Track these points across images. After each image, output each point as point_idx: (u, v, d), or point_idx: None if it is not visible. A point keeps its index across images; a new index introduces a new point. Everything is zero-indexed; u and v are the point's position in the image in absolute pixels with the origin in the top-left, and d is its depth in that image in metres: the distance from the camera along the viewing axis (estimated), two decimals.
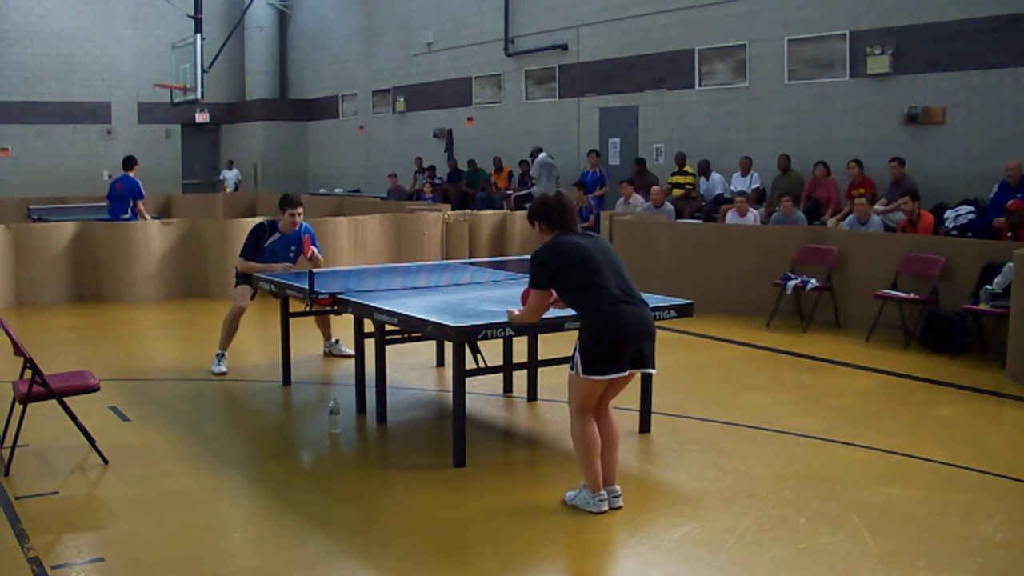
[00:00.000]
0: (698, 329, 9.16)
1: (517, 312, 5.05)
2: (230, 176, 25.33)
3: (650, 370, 4.83)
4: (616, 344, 4.61)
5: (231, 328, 7.98)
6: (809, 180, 12.84)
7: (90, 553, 4.39)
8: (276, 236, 7.93)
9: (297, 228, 7.96)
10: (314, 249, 7.98)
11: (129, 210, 13.67)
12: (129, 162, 14.23)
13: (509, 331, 5.31)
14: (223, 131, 28.36)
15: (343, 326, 8.03)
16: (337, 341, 8.52)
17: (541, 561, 4.30)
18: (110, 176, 26.05)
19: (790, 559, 4.27)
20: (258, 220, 8.47)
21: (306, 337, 8.72)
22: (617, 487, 4.84)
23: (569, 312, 5.57)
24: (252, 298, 7.98)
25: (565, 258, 4.67)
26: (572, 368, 4.70)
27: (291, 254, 7.98)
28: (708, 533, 4.52)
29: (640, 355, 4.70)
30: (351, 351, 8.30)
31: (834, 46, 13.03)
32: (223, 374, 7.80)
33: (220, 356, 7.95)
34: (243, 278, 7.99)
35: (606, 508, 4.69)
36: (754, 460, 5.58)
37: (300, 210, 7.94)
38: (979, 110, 11.57)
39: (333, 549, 4.48)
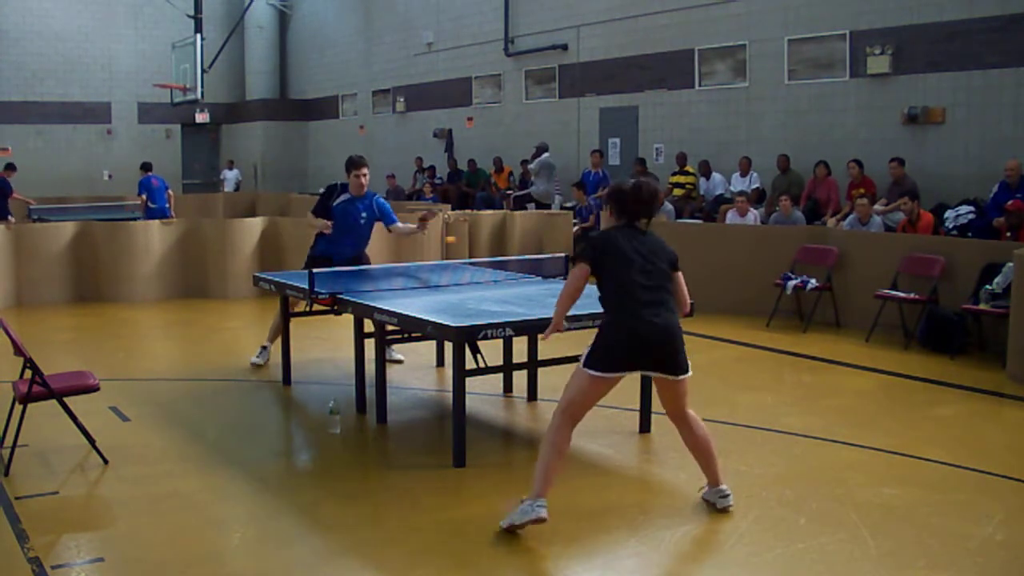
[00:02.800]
0: (698, 329, 9.16)
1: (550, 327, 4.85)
2: (231, 176, 25.35)
3: (673, 376, 4.67)
4: (631, 344, 4.53)
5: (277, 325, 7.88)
6: (809, 180, 12.84)
7: (90, 553, 4.39)
8: (346, 196, 7.77)
9: (367, 194, 7.82)
10: (393, 220, 7.88)
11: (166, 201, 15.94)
12: (149, 164, 16.65)
13: (509, 331, 5.31)
14: (223, 131, 28.36)
15: (343, 326, 8.03)
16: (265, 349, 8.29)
17: (541, 561, 4.30)
18: (110, 176, 26.15)
19: (790, 559, 4.27)
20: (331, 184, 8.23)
21: (306, 337, 8.73)
22: (723, 486, 4.78)
23: (569, 312, 5.59)
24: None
25: (606, 248, 4.62)
26: (579, 360, 4.65)
27: (362, 220, 7.79)
28: (708, 533, 4.52)
29: (658, 363, 4.62)
30: (401, 356, 8.18)
31: (834, 46, 13.03)
32: (258, 366, 7.96)
33: (264, 348, 8.07)
34: (309, 264, 7.67)
35: (544, 515, 4.40)
36: (754, 460, 5.58)
37: (365, 171, 7.75)
38: (979, 110, 11.57)
39: (333, 549, 4.48)
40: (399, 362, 8.04)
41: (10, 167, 17.57)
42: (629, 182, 4.79)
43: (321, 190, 7.96)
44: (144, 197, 15.74)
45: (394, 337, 6.56)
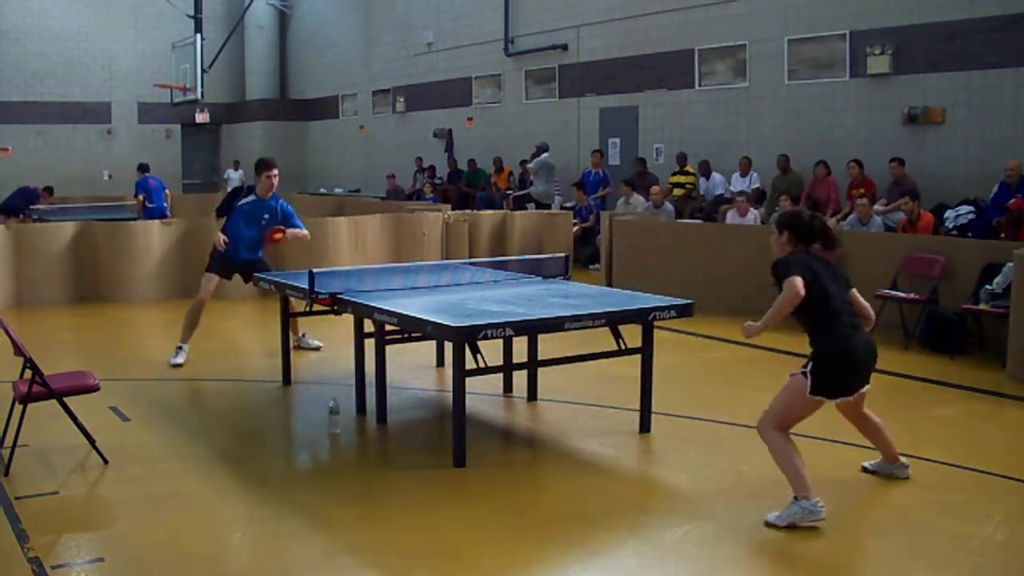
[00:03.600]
0: (698, 329, 9.16)
1: (757, 323, 4.99)
2: (235, 176, 25.22)
3: (866, 388, 4.92)
4: (850, 369, 4.73)
5: (193, 320, 8.14)
6: (809, 180, 12.84)
7: (90, 553, 4.39)
8: (251, 198, 8.08)
9: (273, 196, 8.12)
10: (295, 230, 8.13)
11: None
12: (146, 166, 16.80)
13: (509, 331, 5.31)
14: (223, 131, 28.36)
15: (343, 326, 8.03)
16: (303, 334, 8.64)
17: (541, 561, 4.30)
18: (110, 176, 26.14)
19: (790, 559, 4.27)
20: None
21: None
22: (902, 459, 5.19)
23: (569, 312, 5.59)
24: (227, 278, 8.23)
25: (815, 268, 4.74)
26: (799, 375, 4.74)
27: (263, 221, 8.07)
28: (708, 533, 4.52)
29: (864, 378, 4.83)
30: (318, 343, 8.44)
31: (834, 46, 13.03)
32: (179, 366, 8.00)
33: (179, 348, 8.15)
34: (213, 264, 8.15)
35: (823, 516, 4.51)
36: (754, 460, 5.58)
37: (275, 171, 8.06)
38: (979, 110, 11.57)
39: (333, 549, 4.48)
40: (316, 348, 8.49)
41: (48, 190, 18.30)
42: (804, 213, 5.01)
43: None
44: (141, 197, 15.79)
45: (393, 335, 6.55)
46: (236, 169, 25.49)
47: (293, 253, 10.61)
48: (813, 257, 4.85)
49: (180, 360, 8.09)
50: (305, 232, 8.29)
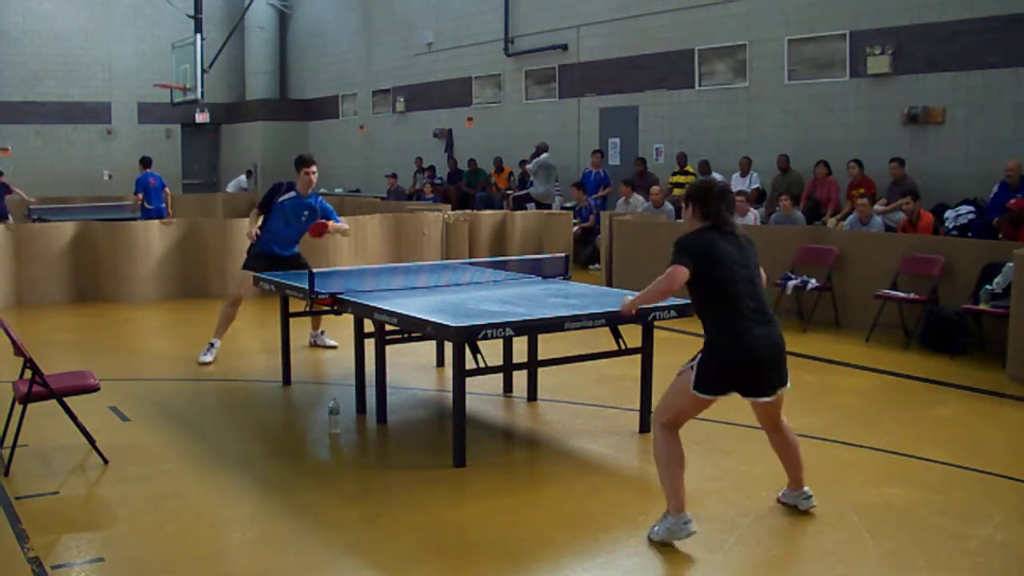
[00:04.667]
0: (698, 329, 9.13)
1: (630, 297, 4.74)
2: (239, 182, 24.72)
3: (783, 389, 4.51)
4: (741, 366, 4.34)
5: (228, 318, 8.21)
6: (810, 180, 12.84)
7: (90, 553, 4.39)
8: (291, 195, 8.08)
9: (313, 194, 8.16)
10: (336, 223, 8.19)
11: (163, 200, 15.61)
12: (149, 160, 16.03)
13: (509, 331, 5.31)
14: (223, 131, 28.35)
15: (343, 326, 8.03)
16: (322, 332, 8.64)
17: (541, 561, 4.30)
18: (110, 176, 26.13)
19: (790, 559, 4.27)
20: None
21: (306, 337, 8.73)
22: (805, 488, 4.76)
23: (569, 312, 5.59)
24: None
25: (710, 252, 4.33)
26: (687, 368, 4.40)
27: (303, 218, 8.09)
28: (708, 533, 4.51)
29: (764, 382, 4.42)
30: (334, 342, 8.46)
31: (834, 46, 13.03)
32: (207, 364, 8.07)
33: (211, 345, 8.21)
34: (250, 262, 8.11)
35: (693, 530, 4.31)
36: (754, 460, 5.58)
37: (314, 168, 8.12)
38: (979, 110, 11.57)
39: (333, 549, 4.48)
40: (333, 347, 8.51)
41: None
42: (711, 181, 4.65)
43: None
44: (140, 196, 15.57)
45: (393, 335, 6.56)
46: (249, 177, 24.86)
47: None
48: (721, 235, 4.40)
49: (209, 358, 8.12)
50: (346, 225, 8.39)
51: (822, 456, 5.73)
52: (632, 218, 12.25)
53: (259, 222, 8.06)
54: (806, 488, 4.77)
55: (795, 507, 4.77)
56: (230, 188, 24.73)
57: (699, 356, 4.38)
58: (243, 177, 25.21)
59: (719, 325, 4.37)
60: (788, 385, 4.54)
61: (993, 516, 4.71)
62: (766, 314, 4.40)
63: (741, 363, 4.34)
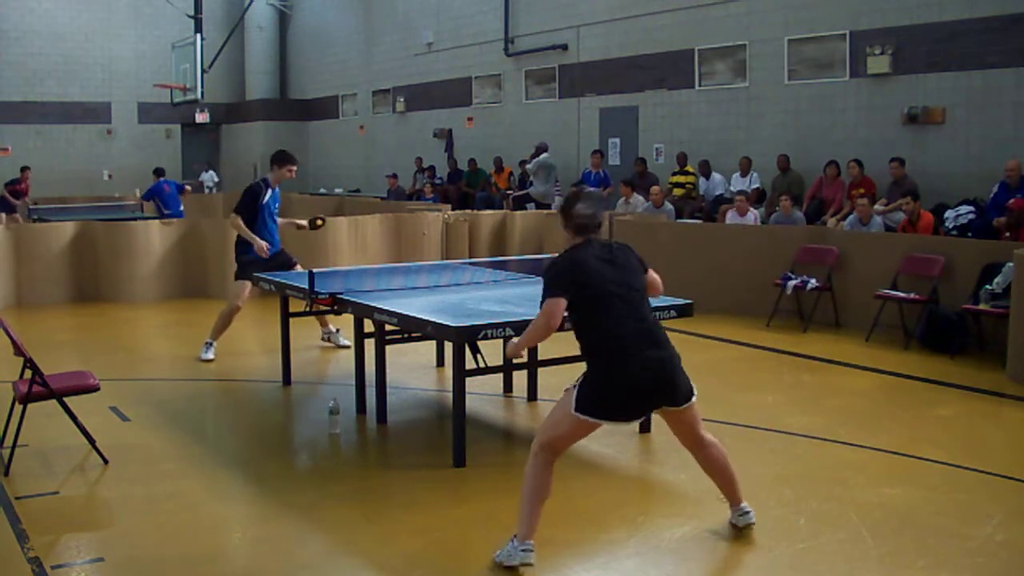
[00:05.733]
0: (698, 329, 9.16)
1: (516, 340, 4.56)
2: (206, 178, 24.96)
3: (674, 408, 4.25)
4: (624, 395, 4.10)
5: (224, 323, 8.33)
6: (816, 179, 12.82)
7: (90, 553, 4.39)
8: (269, 192, 8.28)
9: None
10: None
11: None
12: (162, 170, 16.04)
13: (509, 331, 5.31)
14: (223, 131, 28.36)
15: (343, 326, 8.04)
16: (338, 330, 8.69)
17: (541, 561, 4.30)
18: (110, 176, 26.14)
19: (790, 559, 4.27)
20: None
21: (306, 337, 8.73)
22: (743, 504, 4.50)
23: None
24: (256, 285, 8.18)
25: (581, 275, 4.13)
26: (572, 388, 4.19)
27: (276, 209, 8.37)
28: (708, 533, 4.52)
29: (648, 408, 4.26)
30: (348, 342, 8.50)
31: (834, 46, 13.03)
32: (209, 361, 8.16)
33: (209, 344, 8.32)
34: (242, 271, 8.21)
35: (531, 562, 4.10)
36: (754, 460, 5.58)
37: (295, 168, 8.40)
38: (979, 110, 11.57)
39: (333, 549, 4.48)
40: (347, 347, 8.42)
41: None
42: (572, 193, 4.33)
43: (246, 188, 8.44)
44: (150, 202, 15.41)
45: (393, 335, 6.55)
46: (208, 171, 25.15)
47: (291, 252, 10.60)
48: (594, 251, 4.19)
49: (210, 356, 8.25)
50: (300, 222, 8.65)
51: (822, 456, 5.73)
52: (632, 218, 12.25)
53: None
54: (743, 504, 4.51)
55: (732, 524, 4.50)
56: (207, 183, 24.69)
57: (581, 377, 4.15)
58: (211, 172, 25.18)
59: (598, 350, 4.12)
60: (692, 398, 4.26)
61: (993, 516, 4.71)
62: (650, 334, 4.14)
63: (621, 391, 4.07)
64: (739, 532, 4.50)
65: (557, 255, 4.32)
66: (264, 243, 8.05)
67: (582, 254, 4.19)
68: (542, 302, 4.18)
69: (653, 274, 4.51)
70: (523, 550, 4.12)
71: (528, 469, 4.21)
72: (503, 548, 4.18)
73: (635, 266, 4.33)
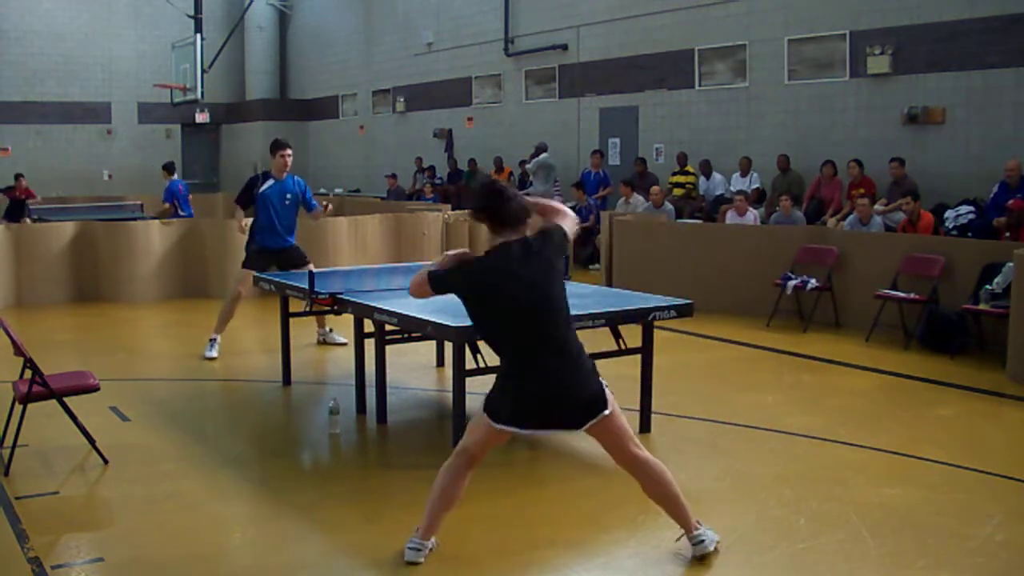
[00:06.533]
0: (698, 329, 9.16)
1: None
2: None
3: (568, 431, 4.04)
4: (522, 406, 3.95)
5: (228, 313, 8.35)
6: (815, 179, 12.82)
7: (90, 553, 4.39)
8: (270, 183, 8.27)
9: (288, 176, 8.32)
10: (314, 206, 8.43)
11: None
12: (173, 165, 15.88)
13: None
14: (223, 131, 28.35)
15: (343, 326, 8.04)
16: (330, 330, 8.70)
17: (541, 561, 4.30)
18: (110, 176, 26.13)
19: (790, 559, 4.26)
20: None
21: (306, 337, 8.73)
22: (696, 531, 4.15)
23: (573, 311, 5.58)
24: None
25: (488, 283, 3.98)
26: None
27: (287, 201, 8.29)
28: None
29: (550, 421, 4.00)
30: (344, 339, 8.51)
31: (834, 46, 13.03)
32: (212, 359, 8.20)
33: (213, 341, 8.35)
34: (250, 260, 8.24)
35: (420, 560, 4.09)
36: (754, 460, 5.58)
37: (289, 151, 8.28)
38: (979, 110, 11.57)
39: (333, 549, 4.48)
40: (343, 344, 8.50)
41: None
42: (482, 187, 4.15)
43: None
44: (168, 206, 15.03)
45: (393, 335, 6.55)
46: (171, 172, 24.68)
47: None
48: (493, 265, 3.97)
49: (214, 353, 8.28)
50: (322, 207, 8.59)
51: (822, 456, 5.73)
52: (632, 218, 12.25)
53: (244, 217, 8.34)
54: (696, 531, 4.14)
55: (692, 553, 4.16)
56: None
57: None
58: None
59: (502, 359, 4.04)
60: (603, 413, 3.95)
61: (993, 516, 4.71)
62: (557, 347, 3.91)
63: (520, 400, 3.94)
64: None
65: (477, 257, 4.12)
66: (243, 221, 8.27)
67: (489, 260, 4.01)
68: (429, 278, 4.09)
69: (547, 216, 4.12)
70: (416, 549, 4.13)
71: (441, 473, 4.17)
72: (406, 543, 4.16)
73: (545, 264, 3.98)
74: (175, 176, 15.27)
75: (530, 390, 3.92)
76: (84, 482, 5.40)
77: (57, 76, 25.79)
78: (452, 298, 6.24)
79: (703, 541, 4.16)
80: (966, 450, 5.81)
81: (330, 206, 8.59)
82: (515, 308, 3.92)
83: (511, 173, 18.23)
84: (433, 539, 4.22)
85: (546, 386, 3.90)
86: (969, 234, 9.99)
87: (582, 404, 3.94)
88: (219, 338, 8.37)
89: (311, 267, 8.03)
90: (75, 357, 8.39)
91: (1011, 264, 7.84)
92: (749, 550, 4.35)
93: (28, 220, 16.41)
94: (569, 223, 4.15)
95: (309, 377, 7.73)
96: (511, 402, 3.97)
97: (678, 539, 4.24)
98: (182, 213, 14.87)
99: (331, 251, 11.58)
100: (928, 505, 4.90)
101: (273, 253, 8.20)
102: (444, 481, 4.16)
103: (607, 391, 4.00)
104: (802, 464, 5.57)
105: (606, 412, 3.97)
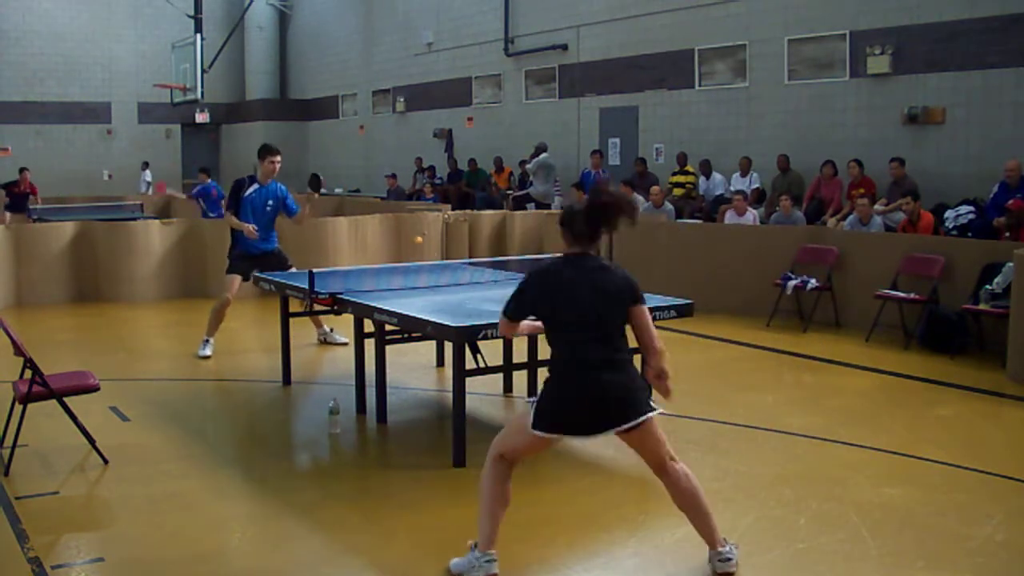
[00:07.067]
0: (698, 329, 9.16)
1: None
2: (145, 175, 23.99)
3: (615, 430, 3.94)
4: (565, 411, 3.94)
5: (217, 318, 8.41)
6: (815, 179, 12.83)
7: (90, 553, 4.39)
8: (254, 188, 8.30)
9: (271, 183, 8.34)
10: (295, 210, 8.42)
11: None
12: (208, 169, 15.96)
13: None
14: (223, 131, 28.37)
15: (343, 326, 8.04)
16: (331, 329, 8.69)
17: (541, 562, 4.30)
18: (110, 176, 26.15)
19: (790, 559, 4.26)
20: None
21: (306, 337, 8.73)
22: (722, 548, 4.06)
23: None
24: (246, 279, 8.27)
25: (540, 289, 4.00)
26: (529, 401, 4.13)
27: (268, 208, 8.32)
28: None
29: (602, 422, 3.94)
30: (345, 339, 8.52)
31: (834, 46, 13.03)
32: (207, 357, 8.27)
33: (206, 341, 8.41)
34: (234, 265, 8.34)
35: (494, 572, 3.99)
36: (754, 460, 5.58)
37: (278, 158, 8.30)
38: (979, 110, 11.57)
39: (333, 549, 4.48)
40: (343, 344, 8.50)
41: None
42: (576, 202, 4.07)
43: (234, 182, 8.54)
44: (195, 205, 15.01)
45: (393, 335, 6.56)
46: (144, 169, 24.45)
47: (292, 252, 10.61)
48: (561, 269, 3.97)
49: (208, 352, 8.34)
50: (303, 210, 8.50)
51: (822, 456, 5.73)
52: None
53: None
54: (722, 548, 4.06)
55: (712, 569, 4.08)
56: (141, 187, 23.40)
57: (540, 392, 4.05)
58: (147, 172, 23.99)
59: (552, 366, 4.03)
60: (645, 415, 3.93)
61: (993, 516, 4.71)
62: (603, 358, 3.91)
63: (562, 408, 3.93)
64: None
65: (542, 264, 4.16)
66: (250, 226, 8.17)
67: (559, 265, 4.00)
68: (503, 311, 4.11)
69: (644, 316, 4.04)
70: (486, 561, 4.00)
71: (484, 481, 4.10)
72: (464, 558, 4.06)
73: (617, 288, 3.98)
74: (210, 179, 15.33)
75: (582, 402, 3.91)
76: (84, 482, 5.40)
77: (57, 76, 25.81)
78: (452, 298, 6.26)
79: (730, 559, 4.07)
80: (966, 450, 5.81)
81: (308, 205, 8.36)
82: (574, 307, 3.92)
83: (511, 173, 18.24)
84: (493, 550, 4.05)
85: (593, 399, 3.90)
86: (969, 234, 9.99)
87: (626, 404, 3.94)
88: (212, 339, 8.42)
89: (292, 269, 8.17)
90: (75, 357, 8.39)
91: (1011, 264, 7.84)
92: (749, 550, 4.35)
93: (29, 219, 16.41)
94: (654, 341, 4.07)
95: (309, 377, 7.72)
96: (564, 414, 3.95)
97: (709, 563, 4.13)
98: (211, 215, 14.69)
99: (331, 251, 11.59)
100: (928, 505, 4.90)
101: (255, 258, 8.25)
102: (490, 492, 4.07)
103: (652, 401, 4.03)
104: (802, 464, 5.57)
105: (645, 417, 3.94)
